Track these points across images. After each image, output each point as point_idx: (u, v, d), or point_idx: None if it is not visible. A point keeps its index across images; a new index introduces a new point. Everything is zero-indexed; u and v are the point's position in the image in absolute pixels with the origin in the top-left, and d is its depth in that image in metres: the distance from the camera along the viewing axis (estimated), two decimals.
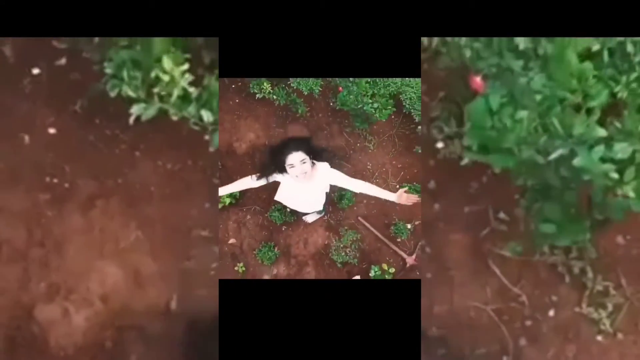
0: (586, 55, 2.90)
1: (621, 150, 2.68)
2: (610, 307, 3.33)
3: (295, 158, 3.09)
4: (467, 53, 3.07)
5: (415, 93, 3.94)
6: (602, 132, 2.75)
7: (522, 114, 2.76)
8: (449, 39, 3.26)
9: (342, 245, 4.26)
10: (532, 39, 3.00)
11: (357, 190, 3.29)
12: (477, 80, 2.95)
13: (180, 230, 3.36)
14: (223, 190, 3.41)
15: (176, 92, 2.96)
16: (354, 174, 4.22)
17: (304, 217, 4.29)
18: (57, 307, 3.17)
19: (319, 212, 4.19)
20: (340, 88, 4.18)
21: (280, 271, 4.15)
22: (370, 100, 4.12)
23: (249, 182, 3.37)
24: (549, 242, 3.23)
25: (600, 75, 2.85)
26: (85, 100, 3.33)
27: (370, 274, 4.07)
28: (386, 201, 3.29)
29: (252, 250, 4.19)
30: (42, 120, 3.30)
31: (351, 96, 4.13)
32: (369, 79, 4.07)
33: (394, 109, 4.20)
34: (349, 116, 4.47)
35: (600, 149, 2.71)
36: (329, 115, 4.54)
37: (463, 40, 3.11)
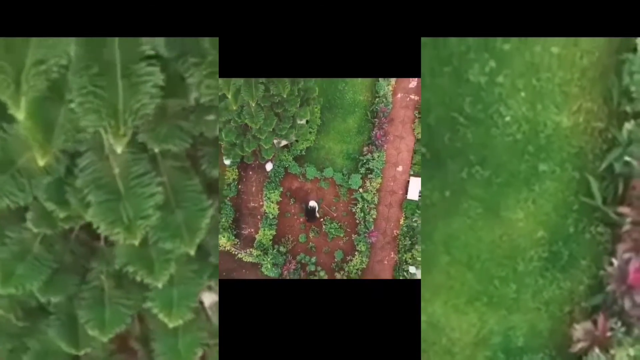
0: None
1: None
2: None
3: (311, 204, 13.38)
4: None
5: (343, 183, 12.81)
6: None
7: None
8: None
9: (318, 211, 13.38)
10: None
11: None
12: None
13: None
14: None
15: None
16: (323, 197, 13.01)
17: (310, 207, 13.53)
18: None
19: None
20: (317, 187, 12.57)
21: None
22: (324, 184, 13.04)
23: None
24: None
25: None
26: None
27: (324, 219, 12.98)
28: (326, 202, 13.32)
29: (299, 212, 13.40)
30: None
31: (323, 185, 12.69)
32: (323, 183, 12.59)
33: (328, 187, 12.92)
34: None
35: None
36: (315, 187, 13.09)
37: None
